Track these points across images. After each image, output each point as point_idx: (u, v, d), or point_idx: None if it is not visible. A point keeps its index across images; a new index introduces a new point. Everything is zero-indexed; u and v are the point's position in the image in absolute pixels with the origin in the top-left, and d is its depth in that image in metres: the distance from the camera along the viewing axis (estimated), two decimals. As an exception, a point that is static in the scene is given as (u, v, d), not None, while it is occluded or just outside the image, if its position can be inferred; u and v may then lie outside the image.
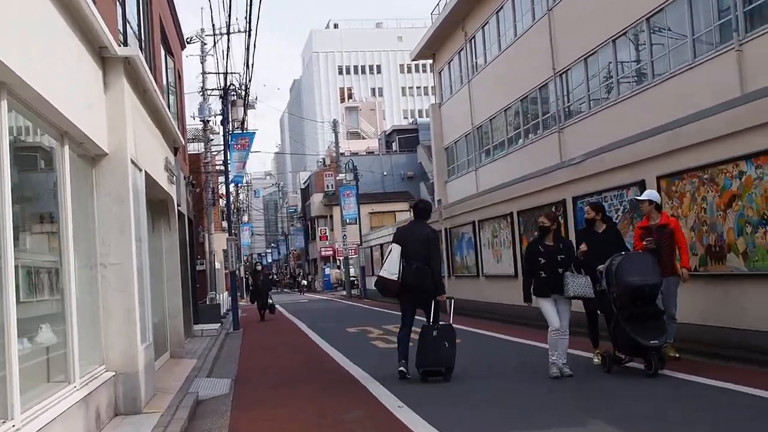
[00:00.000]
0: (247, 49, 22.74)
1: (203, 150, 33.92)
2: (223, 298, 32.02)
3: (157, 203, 13.58)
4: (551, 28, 27.13)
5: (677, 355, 9.67)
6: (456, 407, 8.13)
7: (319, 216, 66.83)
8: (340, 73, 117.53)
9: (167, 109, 12.72)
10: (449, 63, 39.87)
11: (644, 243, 9.35)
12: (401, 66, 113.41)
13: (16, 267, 5.85)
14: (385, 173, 62.64)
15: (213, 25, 44.88)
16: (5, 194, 5.54)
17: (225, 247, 28.02)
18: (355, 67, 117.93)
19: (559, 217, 11.59)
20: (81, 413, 6.92)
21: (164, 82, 17.41)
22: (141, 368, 8.57)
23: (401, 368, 10.02)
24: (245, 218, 65.98)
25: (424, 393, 9.05)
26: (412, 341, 10.21)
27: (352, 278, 46.27)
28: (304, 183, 79.63)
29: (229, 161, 25.53)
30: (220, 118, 27.28)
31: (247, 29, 22.13)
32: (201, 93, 34.02)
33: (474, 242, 21.16)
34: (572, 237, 13.52)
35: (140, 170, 9.81)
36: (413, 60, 46.93)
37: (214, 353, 14.42)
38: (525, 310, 15.88)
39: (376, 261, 38.01)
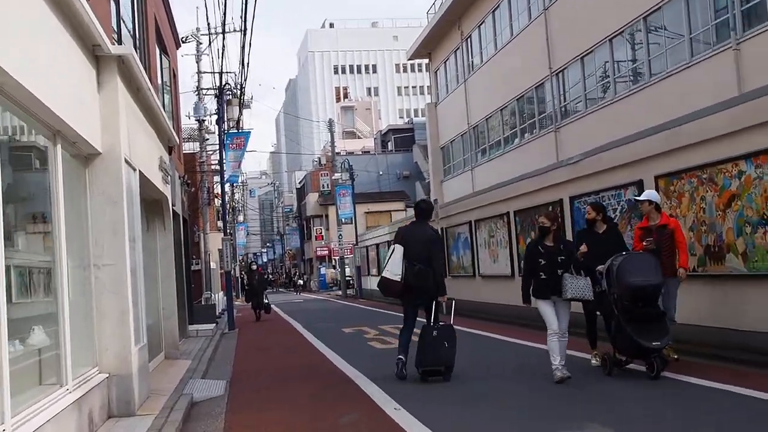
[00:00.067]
0: (243, 47, 22.60)
1: (199, 149, 33.81)
2: (219, 298, 31.89)
3: (151, 203, 13.48)
4: (547, 27, 27.06)
5: (676, 357, 9.59)
6: (453, 409, 8.04)
7: (315, 215, 66.72)
8: (336, 72, 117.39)
9: (162, 108, 12.62)
10: (445, 62, 39.78)
11: (644, 244, 9.24)
12: (397, 65, 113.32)
13: (8, 267, 5.76)
14: (380, 173, 62.57)
15: (208, 24, 44.75)
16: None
17: (220, 247, 27.92)
18: (351, 67, 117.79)
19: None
20: (73, 416, 6.82)
21: (159, 81, 17.30)
22: (135, 370, 8.48)
23: (400, 356, 10.10)
24: (241, 218, 65.88)
25: (421, 395, 8.97)
26: (412, 343, 10.19)
27: (347, 278, 46.18)
28: (299, 182, 79.50)
29: (224, 161, 25.41)
30: (215, 117, 27.20)
31: (243, 28, 21.97)
32: (196, 92, 33.91)
33: (470, 242, 21.07)
34: (569, 237, 13.45)
35: (134, 170, 9.72)
36: (409, 59, 46.84)
37: (209, 354, 14.32)
38: (521, 311, 15.77)
39: (372, 261, 37.93)
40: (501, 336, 14.57)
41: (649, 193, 9.87)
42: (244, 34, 20.68)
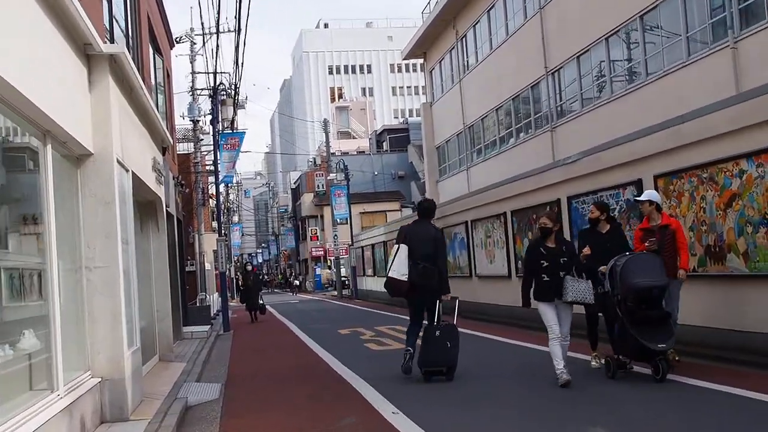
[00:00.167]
0: (237, 47, 22.49)
1: (193, 150, 33.66)
2: (214, 300, 31.76)
3: (145, 204, 13.35)
4: (543, 27, 27.00)
5: (677, 358, 9.46)
6: (452, 412, 7.91)
7: (310, 216, 66.61)
8: (331, 72, 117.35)
9: (155, 108, 12.47)
10: (440, 62, 39.71)
11: (646, 244, 9.08)
12: (391, 65, 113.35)
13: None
14: (376, 173, 62.45)
15: (202, 24, 44.54)
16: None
17: (215, 248, 27.76)
18: (346, 67, 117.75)
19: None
20: (65, 422, 6.68)
21: (153, 81, 17.16)
22: (128, 374, 8.34)
23: (408, 348, 10.19)
24: (235, 218, 65.76)
25: (419, 398, 8.85)
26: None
27: (343, 278, 46.06)
28: (294, 183, 79.39)
29: (218, 161, 25.26)
30: (209, 117, 27.03)
31: (237, 28, 21.84)
32: (190, 93, 33.76)
33: (466, 242, 20.95)
34: (567, 237, 13.34)
35: (127, 171, 9.58)
36: (404, 59, 46.77)
37: (203, 356, 14.19)
38: (518, 312, 15.71)
39: (367, 261, 37.80)
40: (498, 337, 14.45)
41: (650, 194, 9.73)
42: (239, 34, 20.54)
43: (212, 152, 26.55)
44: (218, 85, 25.67)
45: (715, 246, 10.21)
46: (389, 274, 10.14)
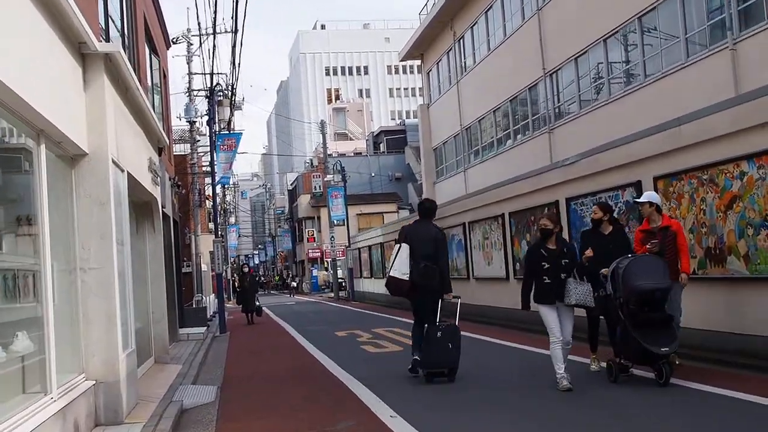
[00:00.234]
0: (234, 47, 22.38)
1: (189, 151, 33.57)
2: (210, 301, 31.66)
3: (140, 205, 13.26)
4: (541, 28, 26.94)
5: (677, 362, 9.36)
6: (451, 415, 7.83)
7: (307, 217, 66.49)
8: (328, 74, 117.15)
9: (151, 108, 12.38)
10: (438, 63, 39.65)
11: (648, 246, 8.96)
12: (389, 67, 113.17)
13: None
14: (373, 174, 62.38)
15: (199, 25, 44.50)
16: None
17: (212, 249, 27.68)
18: (343, 68, 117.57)
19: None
20: (58, 426, 6.59)
21: (149, 81, 17.06)
22: (123, 377, 8.24)
23: (415, 356, 10.23)
24: (232, 220, 65.67)
25: (417, 401, 8.77)
26: None
27: (339, 280, 45.95)
28: (291, 184, 79.26)
29: (215, 162, 25.16)
30: (206, 118, 26.96)
31: (234, 27, 21.76)
32: (187, 94, 33.67)
33: (464, 244, 20.87)
34: (565, 237, 13.26)
35: (122, 171, 9.49)
36: (401, 60, 46.69)
37: (199, 358, 14.09)
38: (516, 314, 15.62)
39: (364, 262, 37.71)
40: (497, 340, 14.36)
41: (650, 195, 9.63)
42: (235, 34, 20.46)
43: (209, 153, 26.46)
44: (215, 86, 25.57)
45: (715, 248, 10.13)
46: (390, 274, 10.17)
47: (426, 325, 10.10)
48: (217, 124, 26.99)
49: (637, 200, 9.89)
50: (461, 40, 35.72)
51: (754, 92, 9.70)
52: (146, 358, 12.46)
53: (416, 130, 48.55)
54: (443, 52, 38.28)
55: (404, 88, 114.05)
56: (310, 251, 64.31)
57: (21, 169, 7.08)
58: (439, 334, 9.80)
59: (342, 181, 45.09)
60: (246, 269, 28.79)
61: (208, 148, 26.39)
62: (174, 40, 30.03)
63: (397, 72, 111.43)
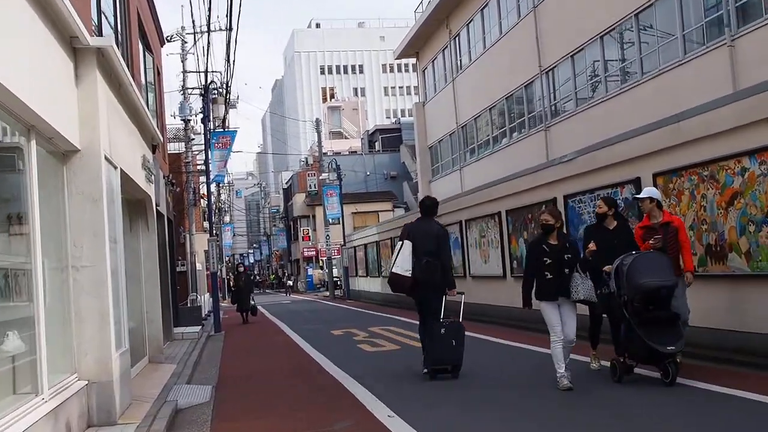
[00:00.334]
0: (228, 44, 22.26)
1: (184, 150, 33.43)
2: (205, 300, 31.52)
3: (134, 203, 13.12)
4: (537, 25, 26.85)
5: (679, 360, 9.24)
6: (450, 415, 7.71)
7: (302, 216, 66.37)
8: (323, 72, 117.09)
9: (145, 105, 12.24)
10: (433, 61, 39.55)
11: (651, 242, 8.80)
12: (383, 66, 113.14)
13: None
14: (368, 173, 62.30)
15: (193, 22, 44.38)
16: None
17: (206, 248, 27.52)
18: (338, 67, 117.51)
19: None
20: (49, 427, 6.45)
21: (142, 78, 16.91)
22: (116, 376, 8.11)
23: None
24: (227, 219, 65.46)
25: (415, 400, 8.64)
26: None
27: (335, 279, 45.86)
28: (286, 183, 79.13)
29: (210, 160, 25.01)
30: (200, 117, 26.80)
31: (228, 25, 21.62)
32: (182, 92, 33.54)
33: (461, 242, 20.76)
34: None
35: (115, 168, 9.35)
36: (397, 58, 46.60)
37: (194, 358, 13.96)
38: (514, 312, 15.54)
39: (359, 261, 37.60)
40: (495, 338, 14.24)
41: (650, 191, 9.49)
42: (230, 32, 20.33)
43: (203, 151, 26.31)
44: (209, 83, 25.42)
45: (716, 245, 10.03)
46: (393, 270, 10.15)
47: (429, 326, 10.04)
48: (211, 122, 26.84)
49: (637, 196, 9.77)
50: (457, 38, 35.62)
51: (757, 86, 9.57)
52: (140, 358, 12.32)
53: (411, 129, 48.49)
54: (439, 50, 38.19)
55: (399, 87, 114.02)
56: (305, 250, 64.19)
57: (15, 169, 6.94)
58: (442, 330, 9.79)
59: (337, 179, 44.97)
60: (241, 269, 28.67)
61: (203, 147, 26.24)
62: (168, 38, 29.88)
63: (392, 70, 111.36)
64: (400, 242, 10.22)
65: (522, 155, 27.56)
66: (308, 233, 64.61)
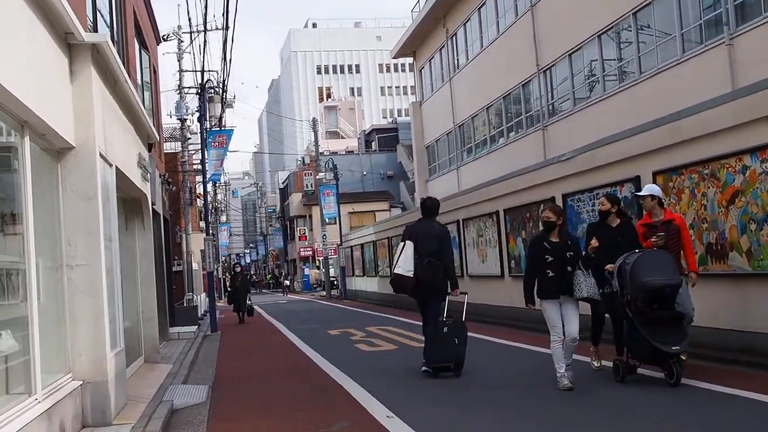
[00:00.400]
0: (225, 43, 22.16)
1: (180, 149, 33.34)
2: (201, 300, 31.41)
3: (130, 201, 13.03)
4: (534, 24, 26.79)
5: (683, 358, 9.14)
6: (449, 415, 7.63)
7: (298, 216, 66.26)
8: (319, 72, 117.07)
9: (141, 102, 12.14)
10: (430, 61, 39.48)
11: (653, 239, 8.70)
12: (380, 65, 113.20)
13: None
14: (364, 173, 62.20)
15: (189, 21, 44.29)
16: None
17: (203, 248, 27.45)
18: (334, 67, 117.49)
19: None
20: (43, 428, 6.36)
21: (138, 76, 16.81)
22: (111, 376, 8.01)
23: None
24: (223, 218, 65.34)
25: (413, 400, 8.57)
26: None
27: (332, 278, 45.75)
28: (282, 183, 79.03)
29: (206, 159, 24.91)
30: (197, 116, 26.72)
31: (225, 24, 21.55)
32: (178, 91, 33.44)
33: (458, 242, 20.66)
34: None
35: (110, 165, 9.24)
36: (394, 58, 46.54)
37: (190, 358, 13.86)
38: (512, 312, 15.45)
39: (356, 261, 37.50)
40: (493, 338, 14.16)
41: (651, 188, 9.39)
42: (226, 30, 20.23)
43: (200, 151, 26.21)
44: (206, 82, 25.33)
45: (716, 244, 9.95)
46: (395, 271, 10.17)
47: (431, 324, 10.08)
48: (208, 121, 26.75)
49: (638, 194, 9.69)
50: (454, 37, 35.56)
51: (756, 84, 9.50)
52: (136, 358, 12.23)
53: (408, 129, 48.42)
54: (436, 49, 38.12)
55: (396, 87, 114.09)
56: (301, 250, 64.10)
57: (9, 168, 6.85)
58: (445, 329, 9.86)
59: (334, 179, 44.87)
60: (238, 269, 28.58)
61: (199, 147, 26.14)
62: (165, 37, 29.80)
63: (388, 70, 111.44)
64: (402, 243, 10.22)
65: (519, 155, 27.50)
66: (305, 233, 64.52)
